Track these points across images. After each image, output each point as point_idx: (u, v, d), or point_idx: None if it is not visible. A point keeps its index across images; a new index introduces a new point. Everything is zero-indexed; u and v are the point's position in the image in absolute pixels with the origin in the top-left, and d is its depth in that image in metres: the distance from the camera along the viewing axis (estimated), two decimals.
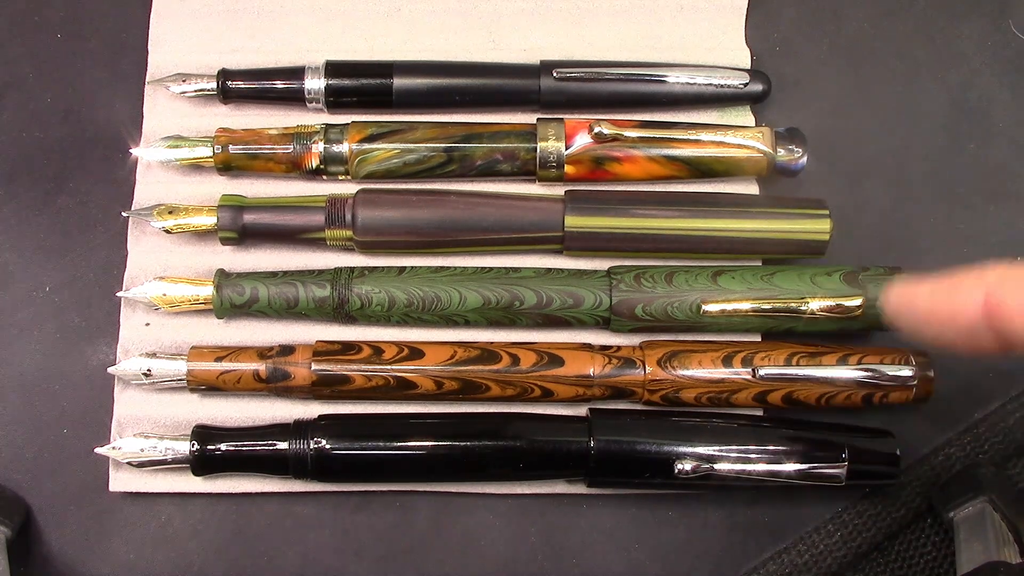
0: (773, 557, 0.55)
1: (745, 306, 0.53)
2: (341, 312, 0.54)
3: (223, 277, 0.54)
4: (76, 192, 0.59)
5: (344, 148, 0.56)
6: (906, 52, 0.62)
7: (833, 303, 0.53)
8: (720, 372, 0.53)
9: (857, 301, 0.53)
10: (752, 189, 0.59)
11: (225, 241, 0.55)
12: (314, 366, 0.53)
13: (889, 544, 0.55)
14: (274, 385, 0.53)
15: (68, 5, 0.62)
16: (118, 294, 0.55)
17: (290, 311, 0.54)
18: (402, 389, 0.53)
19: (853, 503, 0.55)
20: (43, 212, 0.59)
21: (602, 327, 0.55)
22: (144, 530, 0.55)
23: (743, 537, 0.56)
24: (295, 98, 0.58)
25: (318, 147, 0.56)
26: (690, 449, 0.52)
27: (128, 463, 0.52)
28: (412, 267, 0.55)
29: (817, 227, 0.55)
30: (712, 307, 0.53)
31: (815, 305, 0.53)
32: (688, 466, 0.51)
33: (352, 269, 0.55)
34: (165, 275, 0.55)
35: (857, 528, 0.55)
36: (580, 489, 0.55)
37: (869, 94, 0.61)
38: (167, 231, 0.55)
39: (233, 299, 0.54)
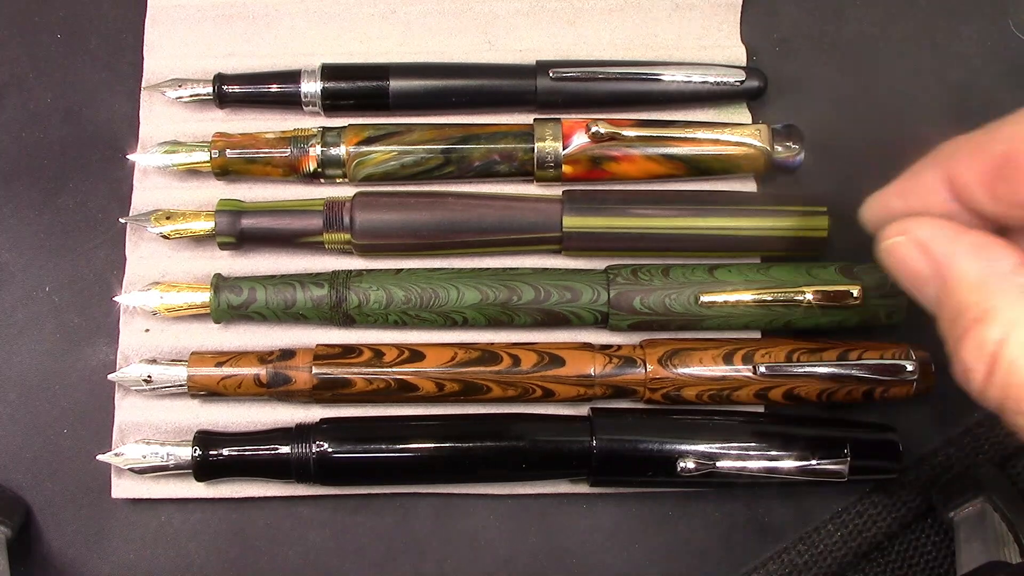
0: (773, 557, 0.55)
1: (743, 296, 0.53)
2: (339, 311, 0.54)
3: (221, 280, 0.54)
4: (76, 192, 0.59)
5: (341, 151, 0.56)
6: (906, 52, 0.62)
7: (831, 291, 0.53)
8: (721, 369, 0.53)
9: (855, 291, 0.53)
10: (750, 186, 0.59)
11: (223, 246, 0.55)
12: (315, 370, 0.53)
13: (889, 544, 0.55)
14: (275, 389, 0.53)
15: (68, 5, 0.62)
16: (115, 298, 0.55)
17: (288, 312, 0.54)
18: (403, 391, 0.53)
19: (853, 503, 0.55)
20: (43, 212, 0.59)
21: (601, 324, 0.55)
22: (144, 530, 0.55)
23: (743, 537, 0.56)
24: (291, 102, 0.58)
25: (315, 150, 0.56)
26: (692, 447, 0.52)
27: (130, 469, 0.53)
28: (410, 268, 0.55)
29: (815, 224, 0.55)
30: (710, 297, 0.53)
31: (813, 294, 0.53)
32: (690, 464, 0.51)
33: (350, 271, 0.55)
34: (162, 280, 0.55)
35: (857, 528, 0.55)
36: (580, 489, 0.55)
37: (869, 94, 0.61)
38: (165, 237, 0.55)
39: (231, 300, 0.54)
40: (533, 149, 0.56)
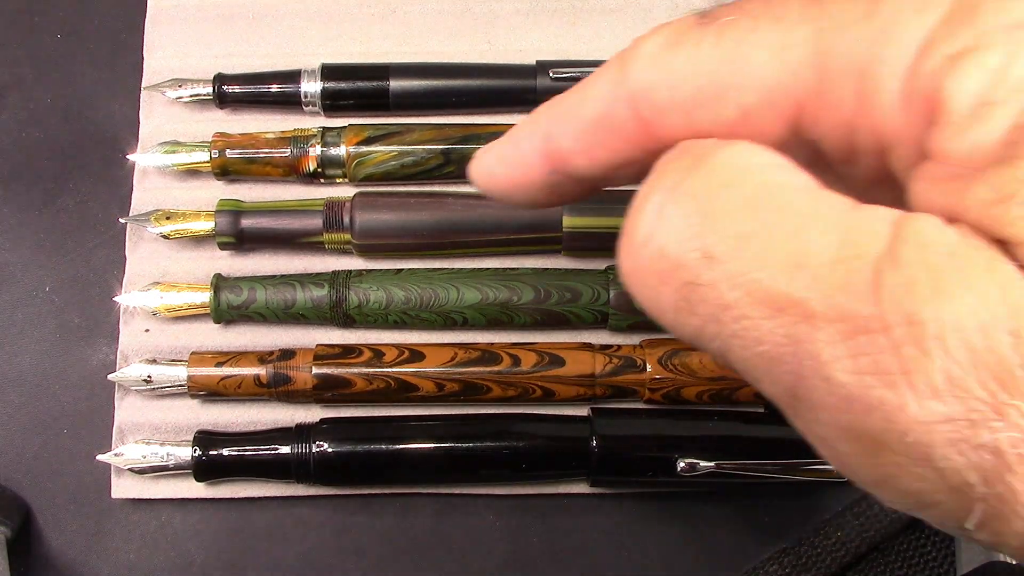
0: (773, 557, 0.55)
1: None
2: (339, 312, 0.54)
3: (221, 280, 0.54)
4: (76, 192, 0.59)
5: (341, 151, 0.56)
6: None
7: None
8: (721, 369, 0.53)
9: None
10: None
11: (223, 246, 0.55)
12: (315, 370, 0.53)
13: (889, 544, 0.55)
14: (275, 389, 0.53)
15: (68, 5, 0.62)
16: (115, 299, 0.55)
17: (288, 312, 0.54)
18: (403, 391, 0.53)
19: (853, 503, 0.55)
20: (43, 212, 0.59)
21: (600, 325, 0.55)
22: (144, 530, 0.55)
23: (743, 537, 0.56)
24: (291, 102, 0.58)
25: (315, 150, 0.56)
26: (692, 447, 0.52)
27: (130, 469, 0.53)
28: (410, 268, 0.55)
29: None
30: None
31: None
32: (690, 464, 0.51)
33: (350, 271, 0.55)
34: (162, 280, 0.55)
35: (857, 528, 0.54)
36: (580, 489, 0.55)
37: None
38: (165, 237, 0.55)
39: (231, 300, 0.54)
40: None
